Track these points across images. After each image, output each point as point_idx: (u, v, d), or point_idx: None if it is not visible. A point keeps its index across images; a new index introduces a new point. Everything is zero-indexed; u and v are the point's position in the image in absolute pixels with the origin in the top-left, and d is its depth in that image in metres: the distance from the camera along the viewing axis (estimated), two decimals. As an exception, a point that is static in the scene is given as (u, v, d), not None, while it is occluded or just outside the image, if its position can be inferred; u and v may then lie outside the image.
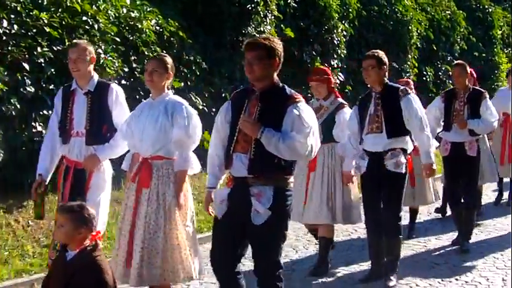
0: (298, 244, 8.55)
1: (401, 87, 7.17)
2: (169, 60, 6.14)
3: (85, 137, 6.28)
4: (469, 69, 8.75)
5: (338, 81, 14.74)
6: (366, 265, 7.70)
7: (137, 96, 10.20)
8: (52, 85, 8.67)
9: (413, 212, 9.51)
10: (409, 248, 8.68)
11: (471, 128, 8.47)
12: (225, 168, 5.22)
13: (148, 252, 5.78)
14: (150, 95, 6.15)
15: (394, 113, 6.98)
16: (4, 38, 8.25)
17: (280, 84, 5.12)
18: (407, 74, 17.43)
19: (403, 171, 7.03)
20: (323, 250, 7.65)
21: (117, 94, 6.35)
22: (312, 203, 7.55)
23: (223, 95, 11.51)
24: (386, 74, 7.16)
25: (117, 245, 6.02)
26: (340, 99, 7.73)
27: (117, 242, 6.07)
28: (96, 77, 6.43)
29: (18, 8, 8.45)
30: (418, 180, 8.88)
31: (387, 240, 7.09)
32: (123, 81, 9.81)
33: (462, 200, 8.67)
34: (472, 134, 8.54)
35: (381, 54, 7.11)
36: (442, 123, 8.71)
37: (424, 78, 18.57)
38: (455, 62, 9.05)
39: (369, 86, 7.26)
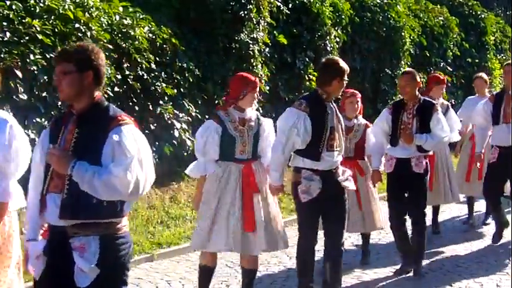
0: (292, 251, 8.52)
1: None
2: None
3: None
4: (419, 78, 7.86)
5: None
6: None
7: (130, 104, 10.20)
8: (45, 93, 8.65)
9: (366, 238, 8.55)
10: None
11: (418, 144, 7.58)
12: (40, 212, 4.12)
13: None
14: None
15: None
16: (-4, 45, 8.24)
17: (105, 104, 4.12)
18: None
19: (354, 187, 6.79)
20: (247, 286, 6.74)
21: None
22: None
23: (216, 101, 11.50)
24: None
25: None
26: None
27: None
28: None
29: (11, 15, 8.43)
30: (364, 204, 8.13)
31: (333, 265, 6.54)
32: (116, 89, 9.80)
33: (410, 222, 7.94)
34: (420, 150, 7.64)
35: None
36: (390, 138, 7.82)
37: (417, 84, 18.58)
38: (404, 70, 8.35)
39: (326, 96, 6.37)
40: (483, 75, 10.88)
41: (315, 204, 6.33)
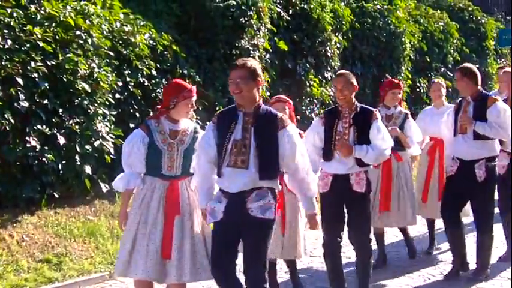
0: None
1: (280, 115, 5.50)
2: None
3: None
4: (355, 82, 6.68)
5: (332, 94, 14.80)
6: None
7: (131, 110, 10.22)
8: (46, 100, 8.67)
9: (291, 264, 7.40)
10: (403, 260, 8.71)
11: (358, 156, 6.50)
12: None
13: None
14: None
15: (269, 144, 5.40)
16: (-2, 53, 8.25)
17: None
18: (401, 86, 17.47)
19: (272, 217, 5.43)
20: None
21: None
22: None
23: (217, 108, 11.51)
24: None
25: None
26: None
27: None
28: None
29: (12, 23, 8.45)
30: (289, 228, 6.97)
31: None
32: (116, 95, 9.83)
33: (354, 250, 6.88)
34: (360, 164, 6.57)
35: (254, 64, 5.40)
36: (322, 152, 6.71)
37: (418, 89, 18.62)
38: (337, 72, 7.01)
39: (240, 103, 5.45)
40: (440, 80, 9.52)
41: (223, 231, 5.43)
